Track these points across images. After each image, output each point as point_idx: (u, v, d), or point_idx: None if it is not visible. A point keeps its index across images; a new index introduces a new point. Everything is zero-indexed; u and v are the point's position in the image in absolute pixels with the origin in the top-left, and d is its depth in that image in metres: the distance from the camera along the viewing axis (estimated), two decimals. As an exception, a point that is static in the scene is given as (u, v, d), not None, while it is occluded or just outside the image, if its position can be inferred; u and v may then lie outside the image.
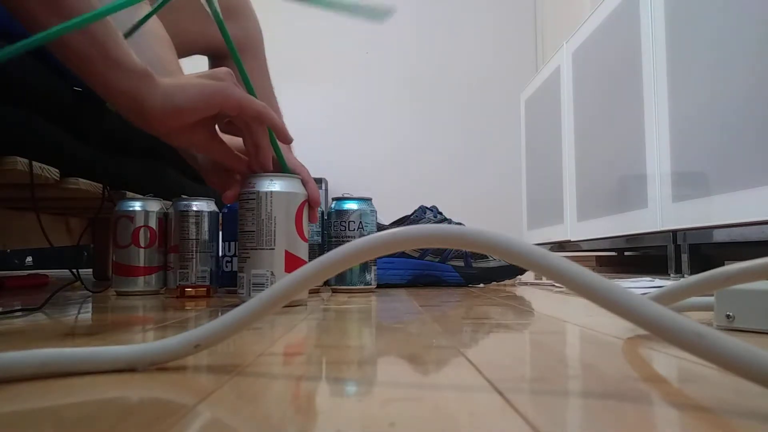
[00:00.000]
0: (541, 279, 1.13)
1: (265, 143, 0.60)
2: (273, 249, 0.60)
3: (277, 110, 0.86)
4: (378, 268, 0.92)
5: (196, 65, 0.77)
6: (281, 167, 0.64)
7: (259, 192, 0.61)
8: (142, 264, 0.79)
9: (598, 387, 0.25)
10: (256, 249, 0.60)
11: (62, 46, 0.50)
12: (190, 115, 0.55)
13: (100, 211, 0.85)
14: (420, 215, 1.05)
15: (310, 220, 0.65)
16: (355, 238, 0.83)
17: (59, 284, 0.82)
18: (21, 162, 0.70)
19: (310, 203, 0.64)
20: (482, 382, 0.26)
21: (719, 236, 1.08)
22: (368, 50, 3.16)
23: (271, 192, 0.61)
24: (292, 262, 0.61)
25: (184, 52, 0.78)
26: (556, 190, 1.96)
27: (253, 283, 0.60)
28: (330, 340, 0.39)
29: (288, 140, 0.62)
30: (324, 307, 0.62)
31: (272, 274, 0.60)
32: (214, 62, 0.86)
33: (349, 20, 3.14)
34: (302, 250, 0.62)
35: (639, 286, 0.77)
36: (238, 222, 0.62)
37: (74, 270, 0.79)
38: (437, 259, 1.01)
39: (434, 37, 3.17)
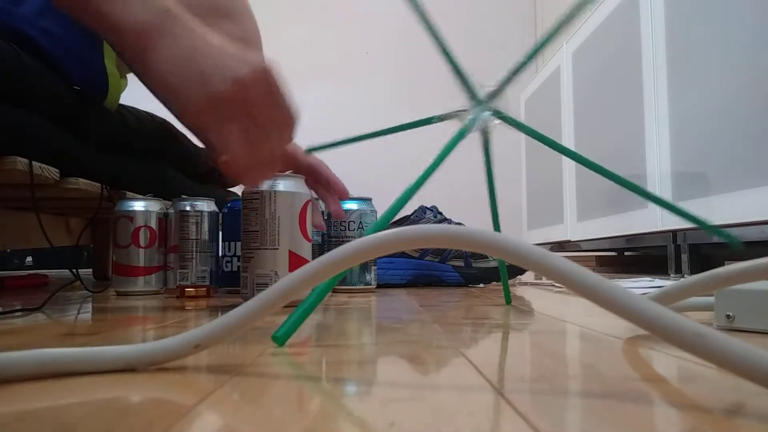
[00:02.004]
0: (541, 279, 1.13)
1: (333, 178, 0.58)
2: (277, 249, 0.60)
3: None
4: (378, 268, 0.92)
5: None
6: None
7: (263, 192, 0.61)
8: (142, 264, 0.79)
9: (598, 387, 0.25)
10: (260, 249, 0.60)
11: None
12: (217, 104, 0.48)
13: (98, 210, 0.84)
14: (420, 215, 1.05)
15: (317, 220, 0.64)
16: (355, 238, 0.83)
17: (59, 284, 0.82)
18: (21, 162, 0.70)
19: (339, 196, 0.62)
20: (482, 382, 0.26)
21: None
22: (368, 50, 3.16)
23: (275, 192, 0.61)
24: (296, 262, 0.61)
25: None
26: (556, 190, 1.96)
27: (257, 283, 0.60)
28: (330, 340, 0.39)
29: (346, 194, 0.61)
30: (324, 307, 0.62)
31: (276, 274, 0.60)
32: None
33: (348, 20, 3.14)
34: (306, 250, 0.62)
35: (639, 286, 0.77)
36: (242, 222, 0.62)
37: (74, 270, 0.79)
38: (437, 259, 1.01)
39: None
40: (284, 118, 0.53)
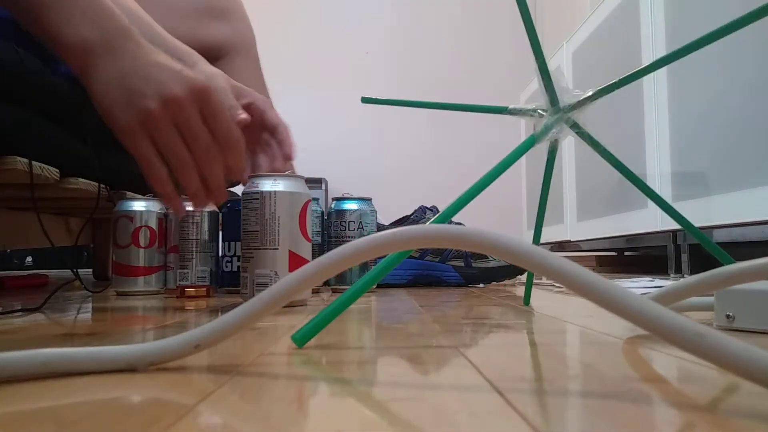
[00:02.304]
0: (541, 279, 1.13)
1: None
2: (277, 249, 0.60)
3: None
4: (378, 268, 0.91)
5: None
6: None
7: (263, 192, 0.61)
8: (142, 264, 0.79)
9: (598, 387, 0.25)
10: (260, 249, 0.60)
11: None
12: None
13: (96, 210, 0.84)
14: (420, 215, 1.05)
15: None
16: (355, 238, 0.83)
17: (58, 284, 0.82)
18: (21, 162, 0.70)
19: (284, 156, 0.55)
20: (482, 382, 0.26)
21: (719, 236, 1.08)
22: (368, 50, 3.16)
23: (275, 192, 0.61)
24: (296, 262, 0.61)
25: None
26: (556, 190, 1.96)
27: (257, 283, 0.60)
28: (330, 340, 0.39)
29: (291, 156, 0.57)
30: (324, 307, 0.62)
31: (276, 274, 0.60)
32: None
33: (348, 20, 3.14)
34: (306, 250, 0.62)
35: (639, 286, 0.77)
36: (242, 222, 0.62)
37: (74, 270, 0.79)
38: (437, 259, 1.01)
39: (434, 36, 3.16)
40: (225, 142, 0.50)
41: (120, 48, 0.47)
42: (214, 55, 0.81)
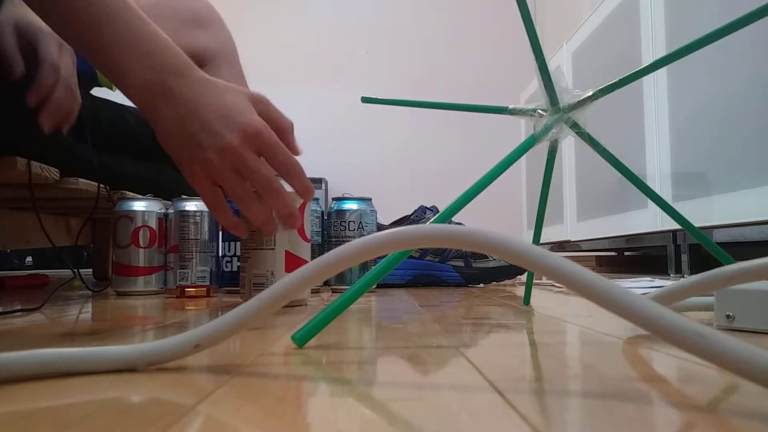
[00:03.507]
0: (541, 279, 1.13)
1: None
2: (273, 249, 0.60)
3: None
4: (378, 268, 0.91)
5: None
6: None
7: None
8: (142, 264, 0.79)
9: (598, 387, 0.25)
10: (257, 249, 0.61)
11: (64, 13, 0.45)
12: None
13: (95, 210, 0.84)
14: (420, 215, 1.05)
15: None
16: (355, 238, 0.83)
17: (58, 284, 0.82)
18: (21, 162, 0.70)
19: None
20: (482, 382, 0.26)
21: (719, 236, 1.08)
22: (368, 50, 3.16)
23: None
24: (293, 262, 0.61)
25: None
26: (556, 190, 1.96)
27: (254, 283, 0.60)
28: (330, 340, 0.39)
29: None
30: (324, 307, 0.62)
31: (272, 274, 0.60)
32: None
33: (348, 20, 3.14)
34: (304, 250, 0.62)
35: (639, 286, 0.77)
36: None
37: (76, 270, 0.79)
38: (437, 259, 1.01)
39: (433, 36, 3.16)
40: (286, 172, 0.53)
41: (175, 88, 0.49)
42: (199, 61, 0.82)
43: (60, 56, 0.67)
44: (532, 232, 0.58)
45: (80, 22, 0.47)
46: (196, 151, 0.50)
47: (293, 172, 0.54)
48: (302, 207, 0.62)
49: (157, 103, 0.49)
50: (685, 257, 1.23)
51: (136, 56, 0.48)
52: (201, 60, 0.82)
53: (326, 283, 0.89)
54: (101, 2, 0.47)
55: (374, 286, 0.87)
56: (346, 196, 0.88)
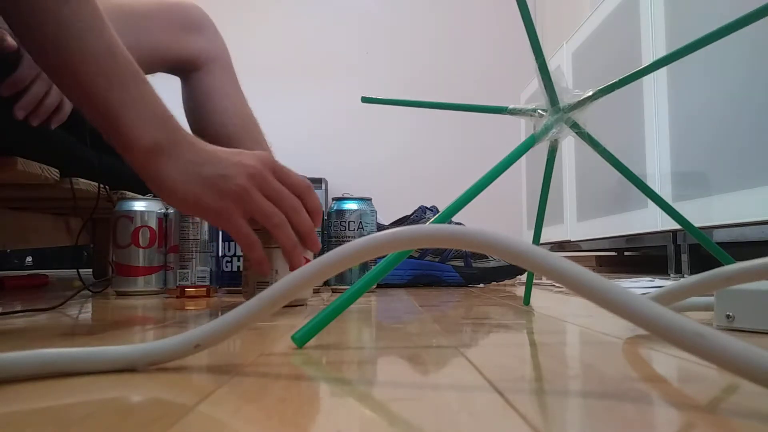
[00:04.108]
0: (541, 279, 1.13)
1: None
2: (277, 248, 0.60)
3: (255, 124, 0.85)
4: (378, 268, 0.91)
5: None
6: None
7: None
8: (142, 264, 0.79)
9: (598, 387, 0.25)
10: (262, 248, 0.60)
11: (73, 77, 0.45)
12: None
13: (95, 210, 0.84)
14: (420, 215, 1.05)
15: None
16: (355, 238, 0.83)
17: (79, 287, 0.82)
18: (21, 162, 0.70)
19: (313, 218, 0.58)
20: (482, 382, 0.26)
21: (719, 236, 1.08)
22: (368, 50, 3.16)
23: None
24: None
25: (155, 66, 0.78)
26: (556, 190, 1.96)
27: (257, 282, 0.60)
28: (330, 340, 0.39)
29: (317, 248, 0.58)
30: (324, 307, 0.62)
31: (277, 272, 0.60)
32: (184, 79, 0.86)
33: (348, 20, 3.14)
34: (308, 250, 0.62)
35: (639, 286, 0.77)
36: None
37: (77, 270, 0.79)
38: (437, 259, 1.01)
39: (433, 36, 3.16)
40: (300, 191, 0.55)
41: (181, 143, 0.50)
42: (194, 65, 0.82)
43: None
44: (532, 232, 0.58)
45: (93, 85, 0.46)
46: (225, 184, 0.50)
47: (306, 192, 0.56)
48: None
49: (165, 162, 0.49)
50: (685, 257, 1.23)
51: (148, 118, 0.48)
52: (196, 64, 0.82)
53: (326, 283, 0.89)
54: (114, 71, 0.46)
55: (374, 286, 0.87)
56: (346, 196, 0.88)
